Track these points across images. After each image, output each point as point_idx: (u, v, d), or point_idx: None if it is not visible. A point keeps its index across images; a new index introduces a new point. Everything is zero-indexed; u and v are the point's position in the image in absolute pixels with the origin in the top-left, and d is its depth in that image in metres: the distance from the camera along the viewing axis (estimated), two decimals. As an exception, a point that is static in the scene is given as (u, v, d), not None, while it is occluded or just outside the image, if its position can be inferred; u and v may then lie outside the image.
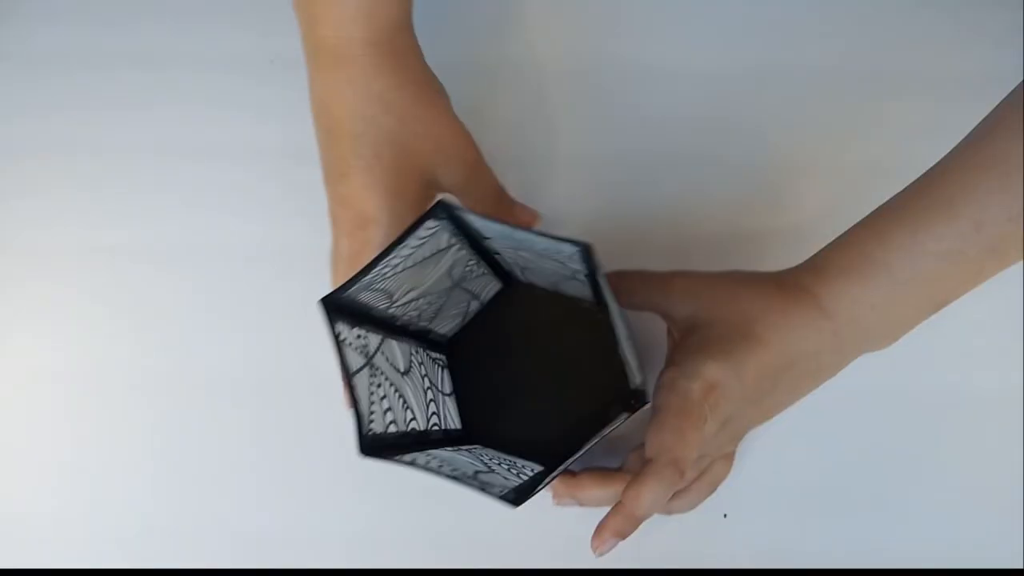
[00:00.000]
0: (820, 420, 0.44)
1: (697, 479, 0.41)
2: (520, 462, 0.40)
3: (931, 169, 0.36)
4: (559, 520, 0.42)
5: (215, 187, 0.49)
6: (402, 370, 0.38)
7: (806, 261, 0.38)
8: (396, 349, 0.38)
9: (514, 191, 0.44)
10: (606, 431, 0.34)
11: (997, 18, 0.49)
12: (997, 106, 0.36)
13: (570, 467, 0.33)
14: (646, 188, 0.48)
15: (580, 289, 0.40)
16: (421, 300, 0.38)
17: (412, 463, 0.32)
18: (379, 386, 0.34)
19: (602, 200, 0.48)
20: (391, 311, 0.37)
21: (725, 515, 0.44)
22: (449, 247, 0.36)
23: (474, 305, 0.43)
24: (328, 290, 0.32)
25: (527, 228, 0.32)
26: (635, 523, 0.35)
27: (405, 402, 0.37)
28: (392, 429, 0.34)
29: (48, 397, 0.46)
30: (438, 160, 0.40)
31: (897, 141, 0.48)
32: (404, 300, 0.37)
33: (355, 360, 0.33)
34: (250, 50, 0.51)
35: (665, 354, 0.41)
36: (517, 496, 0.31)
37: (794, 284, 0.37)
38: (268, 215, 0.49)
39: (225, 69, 0.51)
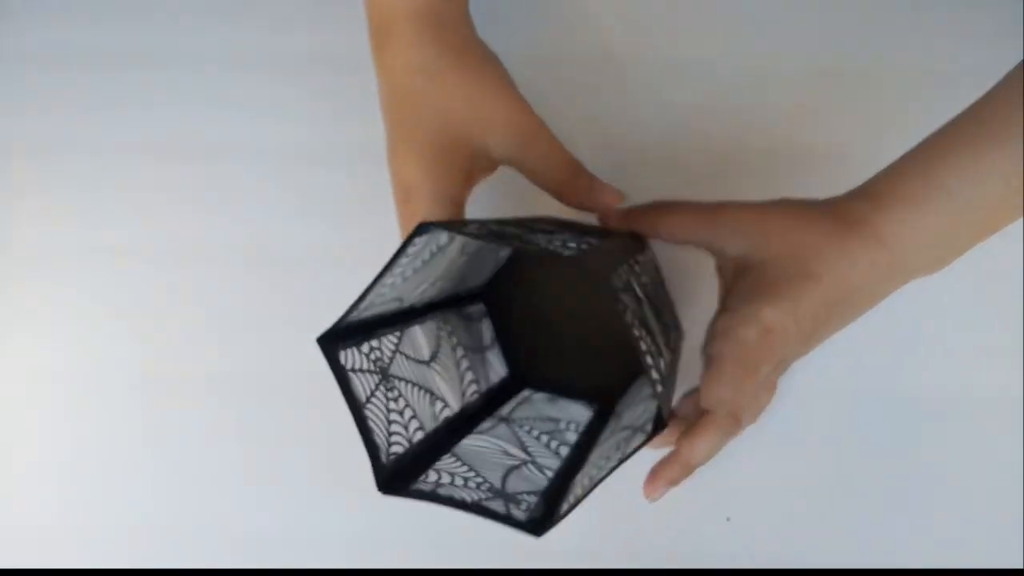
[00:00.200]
0: (820, 420, 0.44)
1: None
2: (565, 416, 0.38)
3: (981, 99, 0.35)
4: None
5: (215, 187, 0.49)
6: (427, 358, 0.37)
7: (859, 188, 0.36)
8: (419, 336, 0.37)
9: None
10: (628, 455, 0.32)
11: (997, 16, 0.50)
12: None
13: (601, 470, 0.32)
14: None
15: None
16: (439, 283, 0.37)
17: (434, 492, 0.31)
18: (398, 398, 0.33)
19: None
20: (407, 306, 0.36)
21: (728, 519, 0.44)
22: (451, 241, 0.35)
23: (505, 252, 0.41)
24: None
25: (535, 245, 0.31)
26: (689, 472, 0.35)
27: (432, 394, 0.36)
28: (419, 436, 0.33)
29: (48, 397, 0.46)
30: (486, 128, 0.37)
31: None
32: (418, 294, 0.36)
33: (366, 385, 0.32)
34: (250, 50, 0.51)
35: (704, 292, 0.40)
36: (536, 526, 0.29)
37: (851, 214, 0.35)
38: (268, 215, 0.49)
39: (225, 69, 0.51)
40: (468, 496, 0.31)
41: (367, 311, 0.32)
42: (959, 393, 0.45)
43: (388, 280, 0.32)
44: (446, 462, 0.34)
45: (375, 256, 0.47)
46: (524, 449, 0.35)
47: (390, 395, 0.33)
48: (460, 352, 0.39)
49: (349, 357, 0.32)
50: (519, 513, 0.30)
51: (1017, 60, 0.48)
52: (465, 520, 0.44)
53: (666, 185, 0.43)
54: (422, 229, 0.30)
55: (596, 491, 0.30)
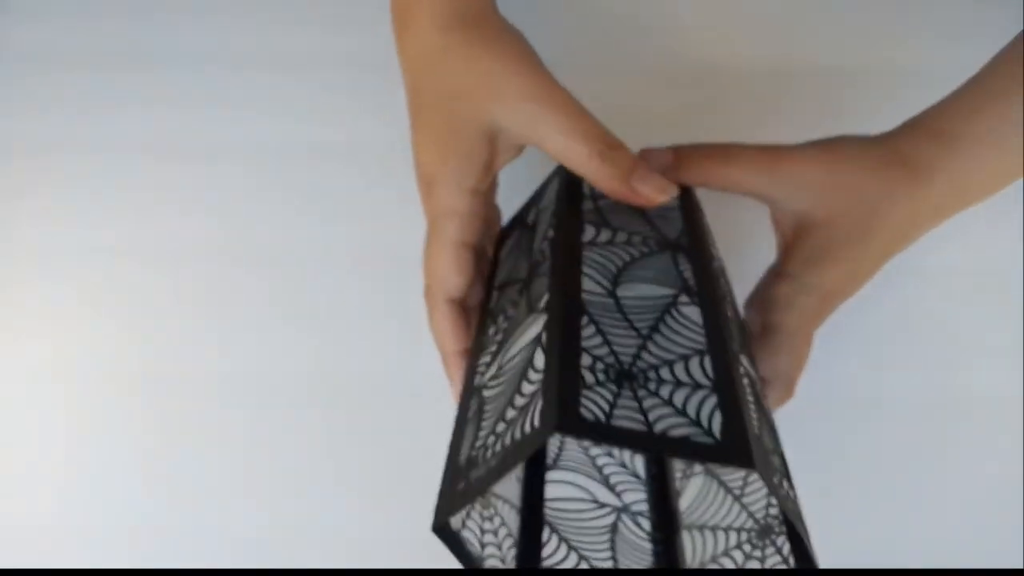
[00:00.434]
0: (820, 421, 0.44)
1: None
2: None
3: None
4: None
5: (215, 187, 0.49)
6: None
7: (924, 123, 0.35)
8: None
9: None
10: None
11: (996, 15, 0.50)
12: None
13: None
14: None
15: None
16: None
17: None
18: (492, 516, 0.30)
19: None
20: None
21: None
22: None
23: None
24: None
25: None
26: None
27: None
28: (512, 552, 0.31)
29: (48, 397, 0.46)
30: (498, 104, 0.33)
31: None
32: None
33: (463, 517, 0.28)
34: (251, 50, 0.51)
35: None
36: None
37: (920, 160, 0.33)
38: (269, 215, 0.49)
39: (225, 69, 0.51)
40: None
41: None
42: (959, 393, 0.45)
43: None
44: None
45: (379, 256, 0.48)
46: (609, 486, 0.33)
47: (484, 513, 0.30)
48: None
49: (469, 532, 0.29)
50: None
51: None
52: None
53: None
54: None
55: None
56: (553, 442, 0.34)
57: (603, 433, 0.21)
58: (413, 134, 0.35)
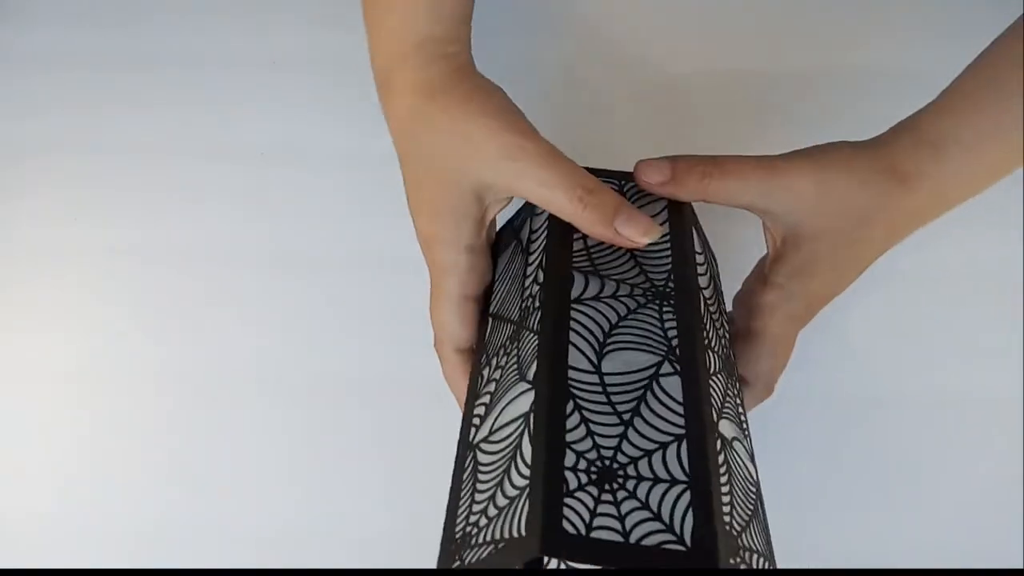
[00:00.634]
0: (820, 421, 0.44)
1: None
2: None
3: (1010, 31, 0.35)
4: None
5: (215, 187, 0.49)
6: None
7: (915, 128, 0.35)
8: None
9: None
10: None
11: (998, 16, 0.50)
12: None
13: None
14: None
15: None
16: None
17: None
18: None
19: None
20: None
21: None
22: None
23: None
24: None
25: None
26: None
27: None
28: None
29: (48, 397, 0.46)
30: (480, 163, 0.34)
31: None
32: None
33: None
34: (250, 50, 0.51)
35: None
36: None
37: (908, 167, 0.34)
38: (269, 215, 0.49)
39: (225, 69, 0.51)
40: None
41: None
42: (959, 393, 0.45)
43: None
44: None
45: (380, 256, 0.48)
46: None
47: None
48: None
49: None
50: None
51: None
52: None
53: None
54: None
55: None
56: None
57: (583, 548, 0.24)
58: (408, 196, 0.37)
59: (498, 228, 0.40)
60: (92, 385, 0.46)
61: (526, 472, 0.27)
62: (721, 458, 0.29)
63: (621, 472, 0.27)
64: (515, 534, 0.26)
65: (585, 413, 0.28)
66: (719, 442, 0.30)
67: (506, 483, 0.28)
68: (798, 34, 0.53)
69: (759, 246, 0.38)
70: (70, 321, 0.47)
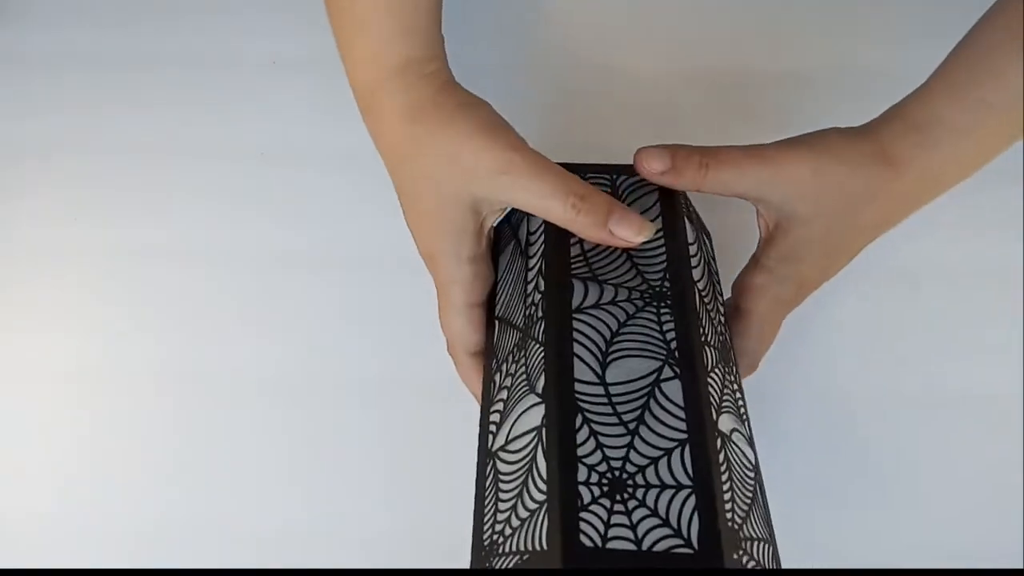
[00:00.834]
0: (819, 420, 0.44)
1: None
2: None
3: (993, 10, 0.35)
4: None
5: (216, 187, 0.49)
6: None
7: (904, 115, 0.35)
8: None
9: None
10: None
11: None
12: None
13: None
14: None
15: None
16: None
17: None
18: None
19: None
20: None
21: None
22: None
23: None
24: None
25: None
26: None
27: None
28: None
29: (48, 397, 0.46)
30: (471, 179, 0.35)
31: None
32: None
33: None
34: (250, 50, 0.51)
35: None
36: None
37: (898, 154, 0.34)
38: (269, 215, 0.49)
39: (225, 69, 0.51)
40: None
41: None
42: (959, 393, 0.45)
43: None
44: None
45: (381, 256, 0.48)
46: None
47: None
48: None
49: None
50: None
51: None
52: (467, 520, 0.44)
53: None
54: None
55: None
56: None
57: (600, 560, 0.26)
58: (404, 214, 0.38)
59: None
60: (92, 385, 0.46)
61: (543, 487, 0.28)
62: (721, 456, 0.30)
63: (630, 482, 0.28)
64: (537, 547, 0.27)
65: (593, 426, 0.29)
66: (719, 440, 0.31)
67: (525, 496, 0.29)
68: (796, 34, 0.53)
69: (756, 230, 0.39)
70: (70, 321, 0.47)
